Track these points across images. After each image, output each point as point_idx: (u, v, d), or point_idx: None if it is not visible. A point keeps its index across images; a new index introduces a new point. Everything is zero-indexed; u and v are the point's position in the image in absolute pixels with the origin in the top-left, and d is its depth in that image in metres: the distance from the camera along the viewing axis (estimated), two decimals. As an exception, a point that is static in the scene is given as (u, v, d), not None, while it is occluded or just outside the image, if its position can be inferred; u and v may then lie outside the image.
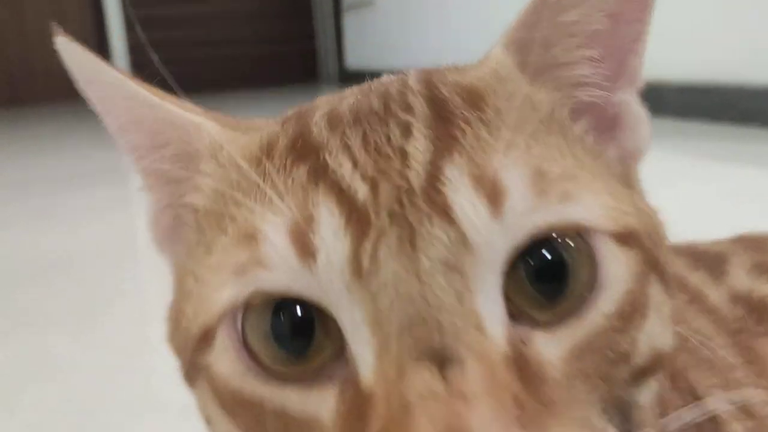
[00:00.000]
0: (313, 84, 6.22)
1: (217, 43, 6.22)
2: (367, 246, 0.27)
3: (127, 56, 5.83)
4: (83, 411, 0.86)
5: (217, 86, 5.46)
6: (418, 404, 0.25)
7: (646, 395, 0.30)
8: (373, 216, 0.27)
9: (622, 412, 0.29)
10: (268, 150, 0.31)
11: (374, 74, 0.38)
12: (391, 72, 0.35)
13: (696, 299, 0.50)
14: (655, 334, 0.30)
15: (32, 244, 1.78)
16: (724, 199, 1.69)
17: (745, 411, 0.44)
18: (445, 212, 0.27)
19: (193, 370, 0.32)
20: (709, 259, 0.54)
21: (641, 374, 0.30)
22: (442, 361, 0.26)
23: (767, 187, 1.75)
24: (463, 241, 0.27)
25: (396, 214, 0.27)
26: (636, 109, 0.35)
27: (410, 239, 0.27)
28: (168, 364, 0.36)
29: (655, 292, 0.30)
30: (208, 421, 0.33)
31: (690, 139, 2.53)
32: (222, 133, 0.34)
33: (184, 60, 5.00)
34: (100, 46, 6.15)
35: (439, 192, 0.27)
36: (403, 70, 0.36)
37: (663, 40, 3.27)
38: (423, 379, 0.25)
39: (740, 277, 0.52)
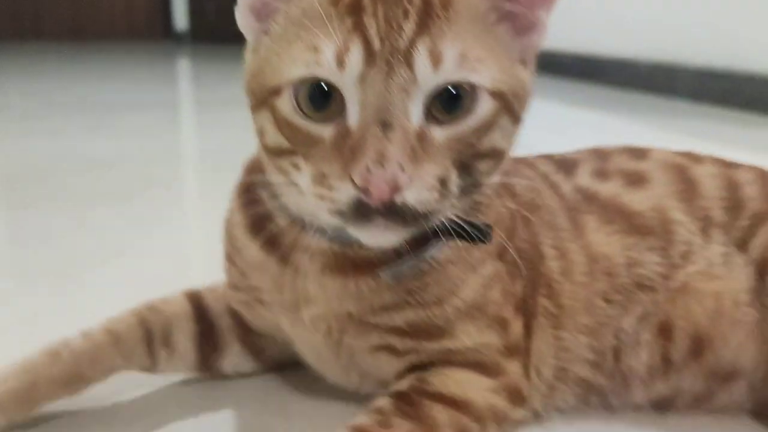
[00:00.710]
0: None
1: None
2: (370, 71, 0.50)
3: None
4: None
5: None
6: (369, 138, 0.49)
7: (484, 165, 0.54)
8: (378, 58, 0.50)
9: (467, 170, 0.53)
10: (336, 2, 0.52)
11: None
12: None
13: (552, 187, 0.73)
14: (496, 138, 0.54)
15: (83, 149, 2.04)
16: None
17: (561, 251, 0.69)
18: (410, 65, 0.50)
19: (262, 105, 0.55)
20: (568, 164, 0.77)
21: (483, 155, 0.54)
22: (385, 125, 0.49)
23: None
24: (413, 79, 0.50)
25: (388, 60, 0.50)
26: (545, 23, 0.57)
27: (390, 73, 0.50)
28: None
29: (503, 121, 0.54)
30: (262, 132, 0.56)
31: (701, 121, 2.66)
32: None
33: None
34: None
35: (410, 54, 0.50)
36: None
37: (681, 25, 3.44)
38: (375, 129, 0.49)
39: (584, 177, 0.75)
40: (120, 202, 1.49)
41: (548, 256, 0.68)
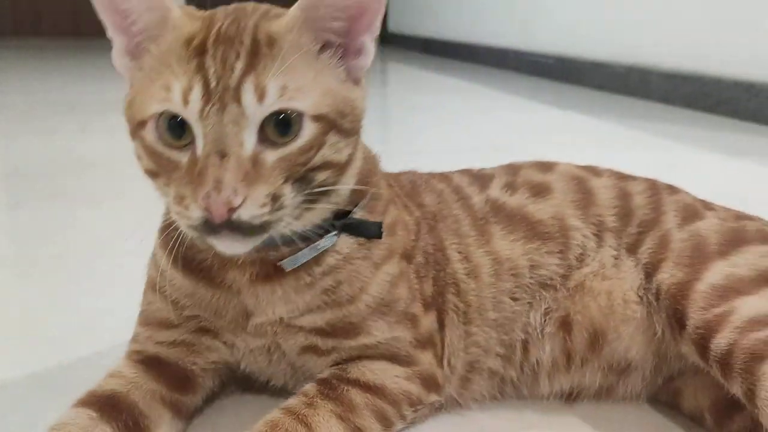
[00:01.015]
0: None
1: None
2: (207, 107, 0.57)
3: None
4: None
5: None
6: (209, 167, 0.56)
7: (321, 176, 0.62)
8: (213, 95, 0.57)
9: (305, 181, 0.61)
10: (188, 43, 0.60)
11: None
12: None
13: (463, 199, 0.82)
14: (326, 153, 0.61)
15: (73, 149, 2.15)
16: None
17: (466, 255, 0.77)
18: (238, 100, 0.57)
19: (134, 134, 0.63)
20: (484, 178, 0.85)
21: (317, 168, 0.61)
22: (222, 154, 0.57)
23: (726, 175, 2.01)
24: (242, 112, 0.57)
25: (221, 97, 0.57)
26: (370, 47, 0.65)
27: (223, 109, 0.57)
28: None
29: (331, 138, 0.62)
30: (139, 157, 0.64)
31: (671, 123, 2.75)
32: (177, 21, 0.62)
33: None
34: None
35: (239, 91, 0.57)
36: (243, 9, 0.64)
37: (653, 29, 3.56)
38: (214, 159, 0.57)
39: (495, 189, 0.83)
40: (112, 201, 1.59)
41: (453, 259, 0.76)
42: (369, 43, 0.65)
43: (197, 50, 0.59)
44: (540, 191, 0.82)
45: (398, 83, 4.34)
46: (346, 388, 0.68)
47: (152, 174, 0.63)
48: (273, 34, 0.61)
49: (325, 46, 0.63)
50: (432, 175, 0.86)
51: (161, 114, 0.59)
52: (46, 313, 1.00)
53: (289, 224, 0.61)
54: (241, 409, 0.76)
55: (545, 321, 0.76)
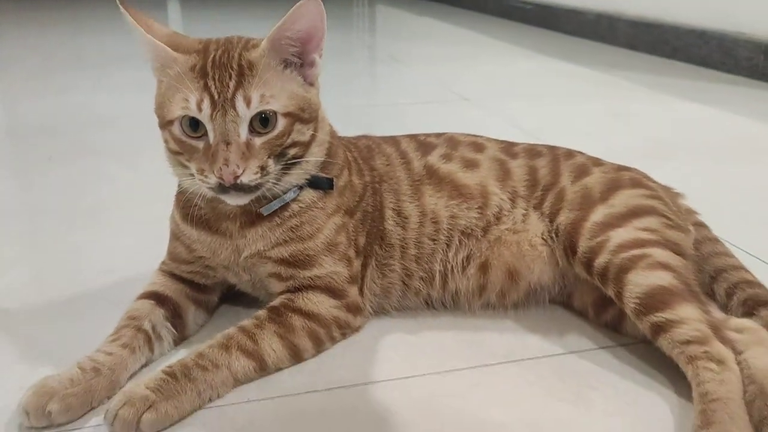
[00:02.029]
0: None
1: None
2: (214, 113, 0.82)
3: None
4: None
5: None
6: (219, 151, 0.82)
7: (293, 150, 0.87)
8: (218, 104, 0.82)
9: (282, 155, 0.86)
10: (192, 68, 0.84)
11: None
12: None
13: (405, 161, 1.07)
14: (294, 136, 0.87)
15: (88, 106, 2.38)
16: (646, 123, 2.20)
17: (399, 210, 1.02)
18: (234, 107, 0.82)
19: (164, 128, 0.87)
20: (427, 146, 1.10)
21: (290, 146, 0.87)
22: (227, 142, 0.83)
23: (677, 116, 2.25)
24: (237, 115, 0.82)
25: (223, 105, 0.82)
26: (318, 61, 0.90)
27: (225, 113, 0.82)
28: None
29: (298, 126, 0.87)
30: (166, 141, 0.88)
31: (634, 70, 2.96)
32: (179, 57, 0.86)
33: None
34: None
35: (234, 101, 0.82)
36: (230, 42, 0.88)
37: None
38: (222, 145, 0.83)
39: (434, 157, 1.08)
40: (132, 156, 1.83)
41: (387, 217, 1.02)
42: (317, 58, 0.90)
43: (201, 73, 0.85)
44: (470, 165, 1.07)
45: (385, 27, 4.51)
46: (289, 314, 0.91)
47: (176, 153, 0.88)
48: (252, 60, 0.86)
49: (287, 64, 0.88)
50: (384, 140, 1.11)
51: (183, 117, 0.85)
52: (91, 252, 1.27)
53: (274, 185, 0.88)
54: (234, 316, 0.99)
55: (468, 264, 1.02)
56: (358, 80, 2.91)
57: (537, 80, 2.84)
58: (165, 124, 0.88)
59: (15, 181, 1.70)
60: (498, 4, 4.64)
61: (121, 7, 0.89)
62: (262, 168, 0.85)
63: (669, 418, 0.80)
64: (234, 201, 0.87)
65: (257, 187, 0.86)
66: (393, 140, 1.12)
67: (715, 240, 1.08)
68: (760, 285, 0.98)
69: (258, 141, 0.85)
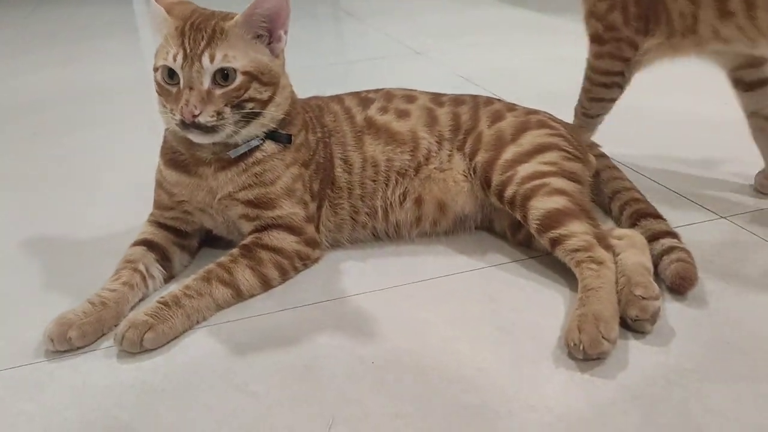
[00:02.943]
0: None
1: None
2: (185, 63, 1.00)
3: None
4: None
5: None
6: (184, 94, 1.01)
7: (251, 105, 1.04)
8: (188, 58, 1.00)
9: (240, 106, 1.03)
10: (176, 29, 1.01)
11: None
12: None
13: (349, 116, 1.25)
14: (251, 93, 1.03)
15: (66, 81, 2.51)
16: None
17: (345, 159, 1.21)
18: (200, 61, 0.99)
19: (155, 72, 1.04)
20: (366, 101, 1.28)
21: (247, 100, 1.04)
22: (191, 88, 1.00)
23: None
24: (201, 67, 0.99)
25: (192, 59, 1.00)
26: (283, 36, 1.06)
27: (192, 65, 0.99)
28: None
29: (255, 84, 1.04)
30: (156, 83, 1.05)
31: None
32: (169, 20, 1.04)
33: None
34: None
35: (201, 56, 0.99)
36: (211, 13, 1.06)
37: None
38: (187, 90, 1.01)
39: (373, 110, 1.26)
40: (110, 125, 2.00)
41: (336, 165, 1.20)
42: (283, 34, 1.07)
43: (180, 32, 1.02)
44: (402, 115, 1.25)
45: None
46: (258, 250, 1.09)
47: (159, 95, 1.06)
48: (225, 27, 1.03)
49: (258, 36, 1.06)
50: (332, 99, 1.29)
51: (163, 66, 1.03)
52: (87, 211, 1.45)
53: (235, 132, 1.05)
54: (213, 257, 1.17)
55: (405, 199, 1.21)
56: (319, 39, 3.05)
57: (487, 29, 2.99)
58: (155, 70, 1.06)
59: (2, 155, 1.86)
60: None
61: None
62: (218, 113, 1.02)
63: (562, 308, 1.02)
64: (196, 138, 1.04)
65: (214, 128, 1.02)
66: (338, 98, 1.30)
67: (613, 167, 1.29)
68: (644, 201, 1.20)
69: (218, 91, 1.02)
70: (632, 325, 0.95)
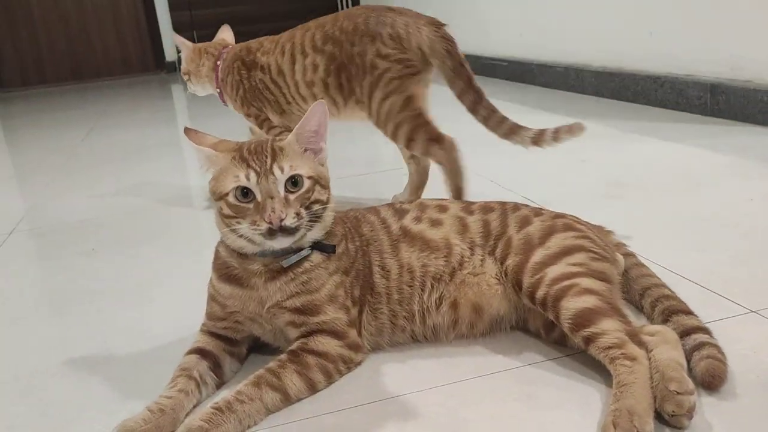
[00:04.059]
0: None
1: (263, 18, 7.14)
2: (260, 179, 1.11)
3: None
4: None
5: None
6: (266, 204, 1.11)
7: (315, 206, 1.16)
8: (260, 175, 1.11)
9: (308, 208, 1.15)
10: (233, 158, 1.13)
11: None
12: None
13: (385, 226, 1.34)
14: (315, 195, 1.16)
15: (119, 199, 2.67)
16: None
17: (383, 266, 1.29)
18: (273, 173, 1.11)
19: (219, 200, 1.14)
20: (401, 211, 1.36)
21: (313, 202, 1.15)
22: (271, 197, 1.11)
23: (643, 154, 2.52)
24: (275, 179, 1.11)
25: (265, 174, 1.11)
26: (325, 147, 1.21)
27: (266, 179, 1.11)
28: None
29: (317, 188, 1.16)
30: (221, 208, 1.15)
31: (600, 116, 3.24)
32: (220, 155, 1.16)
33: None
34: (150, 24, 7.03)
35: (271, 170, 1.12)
36: (262, 140, 1.19)
37: (585, 36, 4.17)
38: (268, 200, 1.11)
39: (408, 220, 1.35)
40: (159, 239, 2.11)
41: (374, 272, 1.27)
42: (324, 145, 1.21)
43: (241, 159, 1.14)
44: (435, 224, 1.33)
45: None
46: (304, 354, 1.15)
47: (230, 217, 1.14)
48: (281, 146, 1.16)
49: (306, 150, 1.19)
50: (368, 210, 1.38)
51: (236, 187, 1.13)
52: (144, 323, 1.54)
53: (305, 233, 1.16)
54: (261, 362, 1.24)
55: (441, 303, 1.27)
56: (354, 146, 3.19)
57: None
58: (220, 197, 1.15)
59: (65, 270, 1.97)
60: (475, 63, 4.98)
61: (186, 135, 1.21)
62: (298, 215, 1.13)
63: (598, 405, 1.05)
64: (279, 244, 1.13)
65: (296, 229, 1.13)
66: (374, 209, 1.39)
67: (641, 265, 1.34)
68: (675, 298, 1.24)
69: (292, 196, 1.13)
70: (670, 421, 0.97)
